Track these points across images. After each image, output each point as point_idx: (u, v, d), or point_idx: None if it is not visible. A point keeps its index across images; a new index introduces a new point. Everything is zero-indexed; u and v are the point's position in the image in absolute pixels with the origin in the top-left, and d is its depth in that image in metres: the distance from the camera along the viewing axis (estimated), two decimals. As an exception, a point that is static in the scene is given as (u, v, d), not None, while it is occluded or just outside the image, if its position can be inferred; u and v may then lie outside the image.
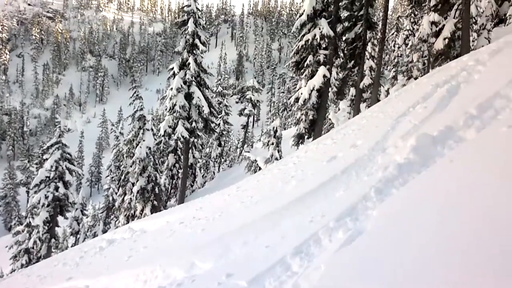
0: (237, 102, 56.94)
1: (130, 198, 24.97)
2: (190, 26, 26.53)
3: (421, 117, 6.32)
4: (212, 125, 29.15)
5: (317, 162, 7.29)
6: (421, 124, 6.05)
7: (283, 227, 5.11)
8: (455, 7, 21.25)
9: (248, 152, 36.43)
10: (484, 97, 5.45)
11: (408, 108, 7.25)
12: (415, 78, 25.02)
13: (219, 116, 41.86)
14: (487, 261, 2.39)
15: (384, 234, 3.64)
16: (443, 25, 21.07)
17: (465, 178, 3.72)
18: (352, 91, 29.70)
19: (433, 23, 22.44)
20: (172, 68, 26.38)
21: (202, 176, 38.82)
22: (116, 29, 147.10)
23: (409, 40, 34.23)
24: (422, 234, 3.19)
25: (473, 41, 23.86)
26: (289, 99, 24.52)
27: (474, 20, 24.35)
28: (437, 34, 21.55)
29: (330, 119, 29.55)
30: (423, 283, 2.56)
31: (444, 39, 20.19)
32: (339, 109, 36.35)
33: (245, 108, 50.01)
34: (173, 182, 32.34)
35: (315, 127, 23.36)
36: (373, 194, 4.58)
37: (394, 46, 40.02)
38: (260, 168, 25.52)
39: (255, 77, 71.41)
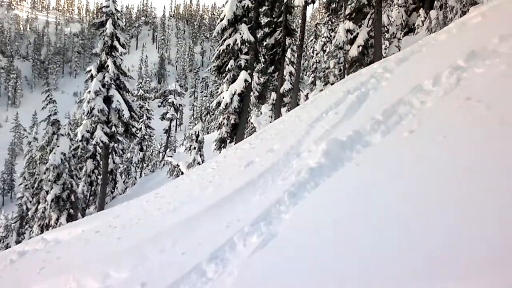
0: (159, 106, 55.98)
1: (44, 207, 23.75)
2: (109, 27, 25.78)
3: (333, 122, 6.60)
4: (133, 129, 28.49)
5: (235, 167, 7.38)
6: (332, 129, 6.32)
7: (200, 233, 5.12)
8: (368, 16, 22.36)
9: (171, 156, 35.97)
10: (390, 103, 5.79)
11: (322, 113, 7.54)
12: (332, 84, 25.97)
13: (140, 120, 40.97)
14: (391, 256, 2.55)
15: (296, 235, 3.78)
16: (357, 33, 22.09)
17: (369, 180, 3.95)
18: (273, 95, 30.21)
19: (348, 31, 23.41)
20: (90, 71, 25.48)
21: (123, 182, 37.79)
22: (29, 28, 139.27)
23: (327, 47, 35.43)
24: (332, 233, 3.35)
25: (385, 48, 25.18)
26: (211, 103, 24.54)
27: (386, 29, 25.70)
28: (352, 42, 22.52)
29: (252, 123, 29.87)
30: (334, 277, 2.69)
31: (358, 46, 21.16)
32: (261, 113, 36.85)
33: (167, 112, 49.31)
34: (92, 189, 31.16)
35: (237, 131, 23.54)
36: (287, 198, 4.72)
37: (312, 53, 41.25)
38: (182, 173, 25.25)
39: (177, 81, 70.54)
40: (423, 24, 24.02)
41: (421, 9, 25.34)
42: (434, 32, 19.59)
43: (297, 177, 5.09)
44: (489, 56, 5.54)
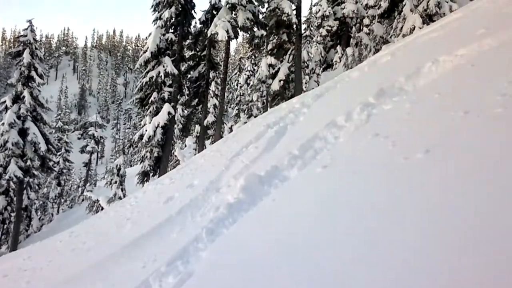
0: (79, 138, 54.02)
1: None
2: (26, 57, 24.77)
3: (252, 157, 6.67)
4: (50, 163, 27.22)
5: (154, 203, 7.22)
6: (252, 164, 6.38)
7: (115, 275, 4.91)
8: (289, 52, 23.16)
9: (91, 191, 34.61)
10: (306, 138, 5.95)
11: (242, 148, 7.61)
12: (255, 116, 26.40)
13: (58, 153, 39.17)
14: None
15: (212, 274, 3.72)
16: (279, 68, 22.76)
17: (284, 215, 3.99)
18: (198, 128, 30.17)
19: (270, 65, 24.03)
20: (4, 102, 24.20)
21: (39, 218, 35.70)
22: None
23: (250, 80, 36.10)
24: (247, 271, 3.32)
25: (305, 83, 26.12)
26: (134, 135, 24.03)
27: (306, 65, 26.72)
28: (274, 76, 23.15)
29: (176, 155, 29.54)
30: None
31: (280, 81, 21.77)
32: (185, 145, 36.57)
33: (87, 145, 47.67)
34: (5, 227, 29.11)
35: (161, 164, 23.15)
36: (205, 235, 4.65)
37: (237, 85, 41.92)
38: (102, 208, 24.31)
39: (99, 112, 68.66)
40: (340, 60, 25.29)
41: (338, 46, 26.73)
42: (351, 67, 20.65)
43: (215, 213, 5.05)
44: (396, 94, 5.89)
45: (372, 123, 5.33)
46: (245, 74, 38.48)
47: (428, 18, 16.55)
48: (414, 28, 16.36)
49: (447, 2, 16.17)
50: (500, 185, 2.68)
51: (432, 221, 2.60)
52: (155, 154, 22.80)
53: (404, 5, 17.67)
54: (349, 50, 23.68)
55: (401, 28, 17.62)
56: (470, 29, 6.89)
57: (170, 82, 22.88)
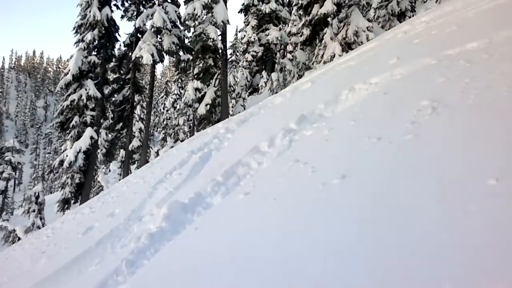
0: (-7, 165, 50.71)
1: None
2: None
3: (176, 183, 6.58)
4: (-41, 192, 25.29)
5: (73, 234, 6.89)
6: (175, 191, 6.28)
7: (27, 313, 4.60)
8: (216, 76, 23.29)
9: (7, 220, 32.48)
10: (230, 164, 5.96)
11: (166, 174, 7.49)
12: (181, 141, 26.18)
13: (-32, 181, 36.52)
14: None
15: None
16: (205, 92, 22.80)
17: (205, 244, 3.95)
18: (122, 152, 29.39)
19: (197, 89, 24.03)
20: None
21: None
22: None
23: (177, 104, 35.88)
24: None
25: (232, 107, 26.33)
26: (54, 161, 22.94)
27: (232, 89, 26.96)
28: (200, 100, 23.15)
29: (99, 181, 28.52)
30: None
31: (206, 105, 21.79)
32: (109, 170, 35.44)
33: (3, 171, 44.80)
34: None
35: (82, 190, 22.26)
36: (124, 267, 4.49)
37: (163, 109, 41.47)
38: (19, 239, 22.84)
39: (16, 137, 65.13)
40: (266, 85, 25.82)
41: (264, 71, 27.33)
42: (276, 92, 21.12)
43: (136, 244, 4.90)
44: (316, 120, 6.09)
45: (293, 148, 5.45)
46: (171, 98, 38.20)
47: (347, 46, 17.35)
48: (334, 55, 17.07)
49: (364, 32, 17.06)
50: (410, 207, 2.82)
51: (347, 249, 2.68)
52: (77, 181, 21.90)
53: (325, 33, 18.40)
54: (274, 75, 24.24)
55: (322, 55, 18.31)
56: (384, 58, 7.30)
57: (93, 105, 22.21)
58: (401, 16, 20.27)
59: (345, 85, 6.68)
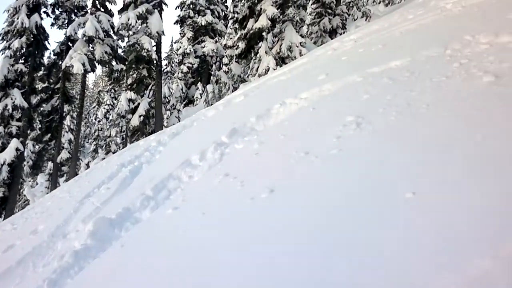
0: None
1: None
2: None
3: (104, 198, 6.38)
4: None
5: (-8, 253, 6.48)
6: (103, 206, 6.09)
7: None
8: (150, 87, 22.95)
9: None
10: (160, 178, 5.87)
11: (94, 188, 7.24)
12: (113, 152, 25.49)
13: None
14: None
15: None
16: (139, 103, 22.39)
17: (130, 262, 3.85)
18: (50, 165, 28.16)
19: (130, 100, 23.56)
20: None
21: None
22: None
23: (110, 114, 34.98)
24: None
25: (167, 118, 26.02)
26: (-25, 174, 21.58)
27: (167, 100, 26.67)
28: (133, 111, 22.70)
29: (25, 195, 27.11)
30: None
31: (140, 116, 21.39)
32: (37, 183, 33.83)
33: None
34: None
35: (7, 205, 21.08)
36: (47, 286, 4.28)
37: (95, 119, 40.25)
38: None
39: None
40: (201, 97, 25.75)
41: (199, 83, 27.25)
42: (211, 104, 21.11)
43: (60, 262, 4.69)
44: (248, 133, 6.13)
45: (224, 162, 5.45)
46: (104, 108, 37.16)
47: (281, 60, 17.71)
48: (268, 68, 17.35)
49: (297, 47, 17.49)
50: (333, 219, 2.91)
51: (271, 263, 2.71)
52: (1, 194, 20.73)
53: (260, 47, 18.68)
54: (209, 87, 24.24)
55: (257, 68, 18.56)
56: (314, 74, 7.50)
57: (19, 115, 21.19)
58: (332, 33, 20.98)
59: (277, 99, 6.79)
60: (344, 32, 20.60)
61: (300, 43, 17.74)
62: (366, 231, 2.64)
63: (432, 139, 3.65)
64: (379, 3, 36.88)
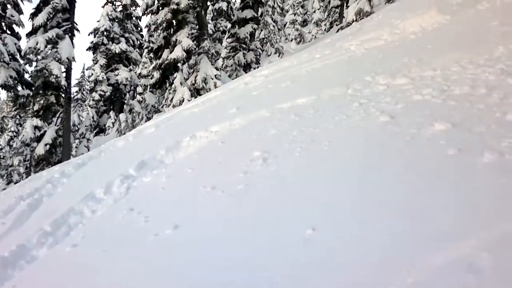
0: None
1: None
2: None
3: (-2, 234, 5.91)
4: None
5: None
6: (-4, 243, 5.64)
7: None
8: (58, 114, 21.95)
9: None
10: (61, 212, 5.55)
11: (-12, 223, 6.70)
12: (15, 183, 23.90)
13: None
14: None
15: None
16: (45, 131, 21.28)
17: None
18: None
19: (36, 127, 22.28)
20: None
21: None
22: None
23: (14, 142, 32.89)
24: None
25: (75, 147, 24.92)
26: None
27: (76, 128, 25.61)
28: (39, 139, 21.48)
29: None
30: None
31: (46, 144, 20.31)
32: None
33: None
34: None
35: None
36: None
37: (-3, 147, 37.62)
38: None
39: None
40: (113, 126, 25.06)
41: (112, 111, 26.55)
42: (124, 133, 20.57)
43: None
44: (156, 166, 6.02)
45: (130, 196, 5.30)
46: (7, 135, 34.86)
47: (196, 91, 17.77)
48: (183, 99, 17.32)
49: (212, 79, 17.67)
50: (235, 258, 2.91)
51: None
52: None
53: (175, 77, 18.65)
54: (122, 116, 23.67)
55: (172, 99, 18.46)
56: (226, 107, 7.59)
57: None
58: (246, 67, 21.48)
59: (188, 132, 6.77)
60: (257, 67, 21.18)
61: (215, 75, 17.96)
62: (263, 269, 2.67)
63: (333, 175, 3.82)
64: (291, 41, 38.50)
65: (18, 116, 34.41)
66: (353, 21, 19.64)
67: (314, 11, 42.39)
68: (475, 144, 3.74)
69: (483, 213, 2.75)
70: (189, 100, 16.67)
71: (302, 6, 50.61)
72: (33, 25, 20.83)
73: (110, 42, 28.17)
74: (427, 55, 7.21)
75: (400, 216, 2.93)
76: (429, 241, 2.59)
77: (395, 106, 5.14)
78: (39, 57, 20.18)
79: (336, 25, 27.93)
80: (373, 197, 3.28)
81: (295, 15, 42.20)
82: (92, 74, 27.93)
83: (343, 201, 3.35)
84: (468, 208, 2.83)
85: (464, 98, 4.95)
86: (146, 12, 19.37)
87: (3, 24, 21.73)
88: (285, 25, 41.34)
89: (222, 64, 23.95)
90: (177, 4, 17.47)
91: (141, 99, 23.54)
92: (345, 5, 26.77)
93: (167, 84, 19.90)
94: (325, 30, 37.01)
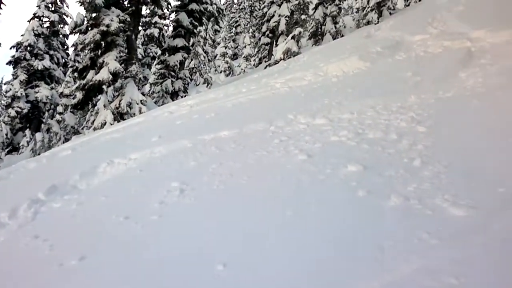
0: None
1: None
2: None
3: None
4: None
5: None
6: None
7: None
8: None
9: None
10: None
11: None
12: None
13: None
14: None
15: None
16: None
17: None
18: None
19: None
20: None
21: None
22: None
23: None
24: None
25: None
26: None
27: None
28: None
29: None
30: None
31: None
32: None
33: None
34: None
35: None
36: None
37: None
38: None
39: None
40: (28, 145, 23.75)
41: (28, 129, 25.21)
42: (39, 153, 19.52)
43: None
44: (68, 192, 5.75)
45: (37, 222, 5.00)
46: None
47: (120, 115, 17.34)
48: (105, 123, 16.82)
49: (137, 104, 17.37)
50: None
51: None
52: None
53: (99, 99, 18.12)
54: (38, 136, 22.52)
55: (93, 121, 17.88)
56: (148, 135, 7.47)
57: None
58: (174, 95, 21.36)
59: (106, 157, 6.56)
60: (185, 95, 21.14)
61: (141, 100, 17.67)
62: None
63: (249, 211, 3.86)
64: (221, 72, 38.96)
65: None
66: (281, 59, 20.29)
67: (245, 46, 43.36)
68: (384, 187, 3.94)
69: (386, 256, 2.88)
70: (111, 124, 16.22)
71: (234, 40, 51.68)
72: None
73: (33, 58, 27.02)
74: (346, 98, 7.57)
75: (308, 255, 3.00)
76: (334, 283, 2.67)
77: (313, 146, 5.32)
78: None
79: (265, 61, 28.72)
80: (286, 234, 3.34)
81: (226, 48, 42.88)
82: (10, 89, 26.49)
83: (257, 237, 3.39)
84: (372, 250, 2.97)
85: (376, 142, 5.23)
86: (74, 31, 18.79)
87: None
88: (215, 56, 41.85)
89: (150, 90, 23.67)
90: (107, 26, 17.15)
91: (60, 119, 22.57)
92: (274, 43, 27.63)
93: (90, 106, 19.28)
94: (254, 65, 37.87)
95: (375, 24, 21.73)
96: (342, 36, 25.90)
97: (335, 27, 27.56)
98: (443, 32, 11.83)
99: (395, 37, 12.76)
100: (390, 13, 25.68)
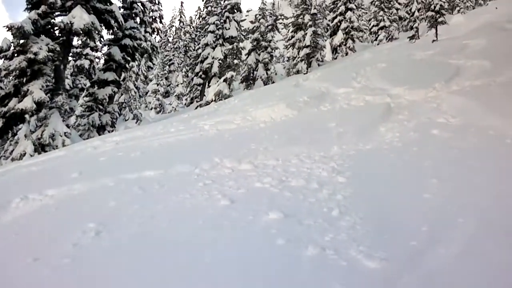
0: None
1: None
2: None
3: None
4: None
5: None
6: None
7: None
8: None
9: None
10: None
11: None
12: None
13: None
14: None
15: None
16: None
17: None
18: None
19: None
20: None
21: None
22: None
23: None
24: None
25: None
26: None
27: None
28: None
29: None
30: None
31: None
32: None
33: None
34: None
35: None
36: None
37: None
38: None
39: None
40: None
41: None
42: None
43: None
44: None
45: None
46: None
47: (41, 147, 16.58)
48: (25, 154, 15.99)
49: (61, 136, 16.72)
50: None
51: None
52: None
53: (20, 129, 17.27)
54: None
55: (12, 151, 16.95)
56: (67, 170, 7.17)
57: None
58: (101, 129, 20.79)
59: (20, 192, 6.21)
60: (113, 130, 20.65)
61: (65, 133, 17.05)
62: None
63: (166, 257, 3.80)
64: (151, 109, 38.58)
65: None
66: (212, 101, 20.48)
67: (177, 85, 43.40)
68: (302, 236, 4.04)
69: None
70: (31, 155, 15.46)
71: (166, 78, 51.60)
72: None
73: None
74: (272, 145, 7.76)
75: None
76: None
77: (237, 191, 5.38)
78: None
79: (197, 101, 28.86)
80: (204, 281, 3.32)
81: (158, 85, 42.68)
82: None
83: (174, 284, 3.34)
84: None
85: (298, 190, 5.38)
86: (-1, 56, 17.98)
87: None
88: (147, 93, 41.46)
89: (75, 122, 22.91)
90: (35, 54, 16.59)
91: (-25, 146, 21.18)
92: (207, 84, 27.93)
93: (10, 135, 18.28)
94: (185, 104, 37.90)
95: (304, 74, 22.67)
96: (273, 82, 26.73)
97: (267, 73, 28.42)
98: (365, 86, 12.56)
99: (322, 88, 13.38)
100: (319, 65, 26.94)
